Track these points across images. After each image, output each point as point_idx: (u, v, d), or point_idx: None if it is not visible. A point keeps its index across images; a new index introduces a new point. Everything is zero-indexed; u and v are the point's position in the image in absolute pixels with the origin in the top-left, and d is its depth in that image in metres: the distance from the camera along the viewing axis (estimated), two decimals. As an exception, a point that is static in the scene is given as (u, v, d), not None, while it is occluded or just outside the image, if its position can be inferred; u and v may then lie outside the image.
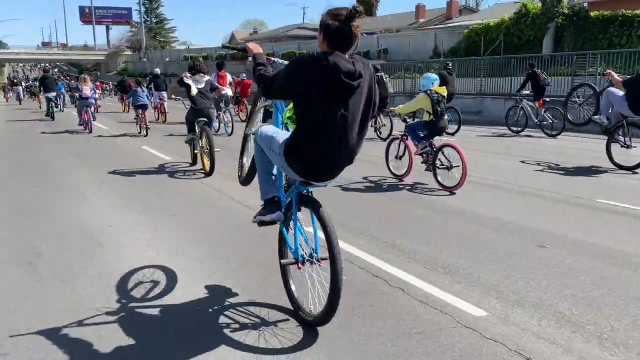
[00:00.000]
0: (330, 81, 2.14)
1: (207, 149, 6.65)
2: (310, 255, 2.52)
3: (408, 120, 6.42)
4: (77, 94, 13.82)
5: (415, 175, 6.35)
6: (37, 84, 21.34)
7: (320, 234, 2.40)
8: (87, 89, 12.69)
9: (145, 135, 11.51)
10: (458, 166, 5.63)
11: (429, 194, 5.65)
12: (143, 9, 71.56)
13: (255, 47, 2.61)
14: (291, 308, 2.69)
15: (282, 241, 2.76)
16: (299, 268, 2.61)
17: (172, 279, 3.16)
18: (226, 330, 2.54)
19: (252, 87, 14.89)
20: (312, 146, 2.28)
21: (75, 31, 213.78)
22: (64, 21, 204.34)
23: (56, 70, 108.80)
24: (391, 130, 10.16)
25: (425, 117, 6.03)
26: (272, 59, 2.73)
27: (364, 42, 30.65)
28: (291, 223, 2.64)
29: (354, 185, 6.03)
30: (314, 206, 2.45)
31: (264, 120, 2.96)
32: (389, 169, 6.59)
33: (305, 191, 2.53)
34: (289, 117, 2.57)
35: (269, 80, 2.31)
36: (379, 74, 10.30)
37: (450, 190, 5.62)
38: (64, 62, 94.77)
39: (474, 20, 29.14)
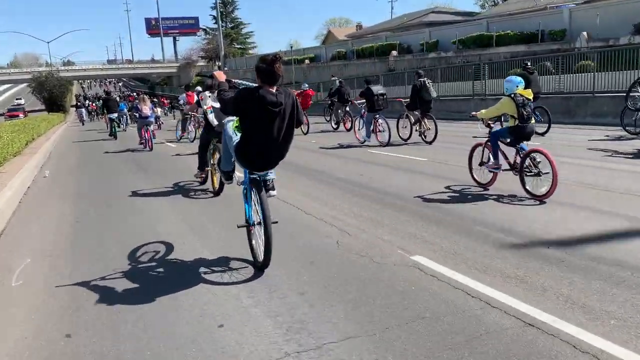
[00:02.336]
0: (260, 108, 4.10)
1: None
2: (260, 222, 4.41)
3: (492, 125, 7.27)
4: (136, 114, 17.39)
5: (501, 183, 7.22)
6: (101, 104, 27.00)
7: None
8: (146, 109, 15.96)
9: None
10: (547, 173, 6.31)
11: (517, 204, 6.44)
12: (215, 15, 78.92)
13: (220, 76, 4.79)
14: (250, 259, 4.73)
15: (245, 211, 4.81)
16: (251, 230, 4.66)
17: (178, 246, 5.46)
18: (205, 275, 4.61)
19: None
20: (251, 149, 4.32)
21: (140, 46, 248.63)
22: (129, 36, 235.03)
23: (120, 84, 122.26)
24: (436, 134, 12.47)
25: (511, 123, 6.79)
26: (234, 81, 4.93)
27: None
28: (248, 197, 4.65)
29: (437, 196, 7.10)
30: (258, 188, 4.40)
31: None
32: (472, 177, 7.55)
33: (257, 177, 4.48)
34: (236, 127, 4.54)
35: (225, 103, 4.38)
36: (422, 79, 12.73)
37: (540, 199, 6.39)
38: (131, 78, 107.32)
39: None
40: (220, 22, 68.26)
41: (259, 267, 4.52)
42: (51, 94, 49.05)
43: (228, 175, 5.14)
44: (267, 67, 4.13)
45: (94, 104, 43.41)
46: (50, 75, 51.04)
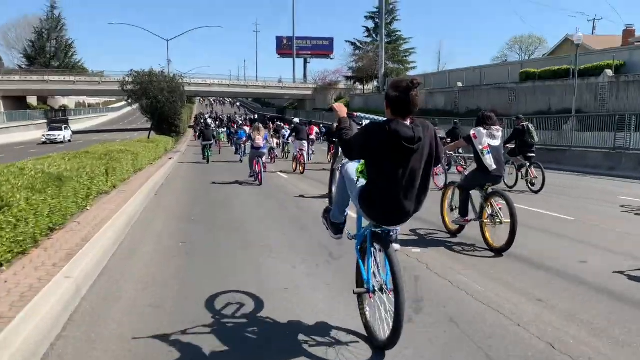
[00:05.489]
0: (393, 145, 4.10)
1: (499, 219, 8.12)
2: (381, 287, 4.44)
3: None
4: (247, 144, 20.19)
5: None
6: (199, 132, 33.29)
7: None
8: (259, 139, 17.93)
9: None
10: None
11: None
12: (372, 24, 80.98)
13: (340, 110, 4.82)
14: (361, 332, 4.71)
15: (358, 272, 4.84)
16: (370, 297, 4.63)
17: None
18: (305, 346, 4.57)
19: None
20: (380, 197, 4.32)
21: (265, 68, 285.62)
22: (255, 56, 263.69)
23: (238, 104, 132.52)
24: (543, 182, 15.03)
25: None
26: (355, 114, 5.06)
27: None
28: (367, 256, 4.63)
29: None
30: (385, 245, 4.41)
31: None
32: None
33: (379, 230, 4.52)
34: (360, 172, 4.58)
35: (349, 144, 4.40)
36: (524, 123, 15.63)
37: None
38: (251, 99, 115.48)
39: None
40: (383, 33, 69.32)
41: (380, 347, 4.48)
42: (157, 104, 37.83)
43: (338, 229, 5.22)
44: (401, 94, 4.14)
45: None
46: (157, 74, 39.02)
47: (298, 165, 21.60)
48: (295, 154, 22.05)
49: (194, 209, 12.55)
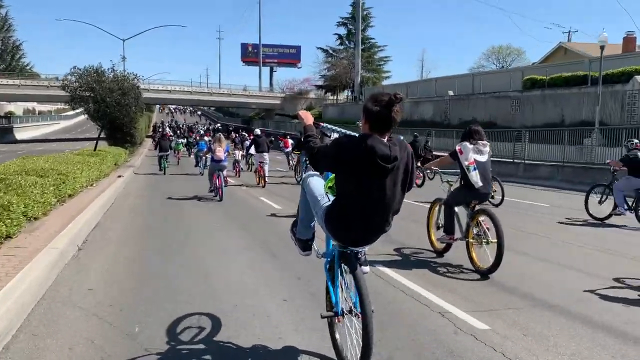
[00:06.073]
0: (367, 162, 4.10)
1: (486, 238, 8.03)
2: (350, 310, 4.51)
3: None
4: (208, 156, 20.22)
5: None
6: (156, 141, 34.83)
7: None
8: (220, 151, 17.37)
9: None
10: None
11: None
12: (345, 31, 79.48)
13: (306, 118, 4.88)
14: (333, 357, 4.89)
15: (328, 293, 4.91)
16: (339, 321, 4.77)
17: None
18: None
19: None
20: (348, 217, 4.33)
21: (229, 76, 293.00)
22: (219, 64, 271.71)
23: (199, 113, 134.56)
24: (502, 196, 16.28)
25: None
26: (320, 124, 5.19)
27: None
28: (335, 278, 4.73)
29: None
30: (351, 265, 4.44)
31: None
32: None
33: (348, 250, 4.51)
34: (329, 187, 4.58)
35: (316, 153, 4.43)
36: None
37: None
38: (213, 109, 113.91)
39: None
40: (359, 39, 66.97)
41: None
42: (105, 107, 31.28)
43: (306, 245, 5.22)
44: (383, 110, 4.09)
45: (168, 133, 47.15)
46: (106, 72, 31.95)
47: (260, 179, 22.25)
48: (256, 166, 23.04)
49: (137, 296, 6.67)
